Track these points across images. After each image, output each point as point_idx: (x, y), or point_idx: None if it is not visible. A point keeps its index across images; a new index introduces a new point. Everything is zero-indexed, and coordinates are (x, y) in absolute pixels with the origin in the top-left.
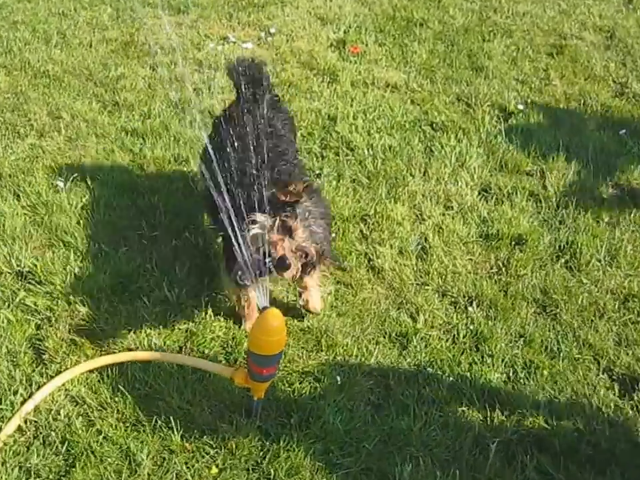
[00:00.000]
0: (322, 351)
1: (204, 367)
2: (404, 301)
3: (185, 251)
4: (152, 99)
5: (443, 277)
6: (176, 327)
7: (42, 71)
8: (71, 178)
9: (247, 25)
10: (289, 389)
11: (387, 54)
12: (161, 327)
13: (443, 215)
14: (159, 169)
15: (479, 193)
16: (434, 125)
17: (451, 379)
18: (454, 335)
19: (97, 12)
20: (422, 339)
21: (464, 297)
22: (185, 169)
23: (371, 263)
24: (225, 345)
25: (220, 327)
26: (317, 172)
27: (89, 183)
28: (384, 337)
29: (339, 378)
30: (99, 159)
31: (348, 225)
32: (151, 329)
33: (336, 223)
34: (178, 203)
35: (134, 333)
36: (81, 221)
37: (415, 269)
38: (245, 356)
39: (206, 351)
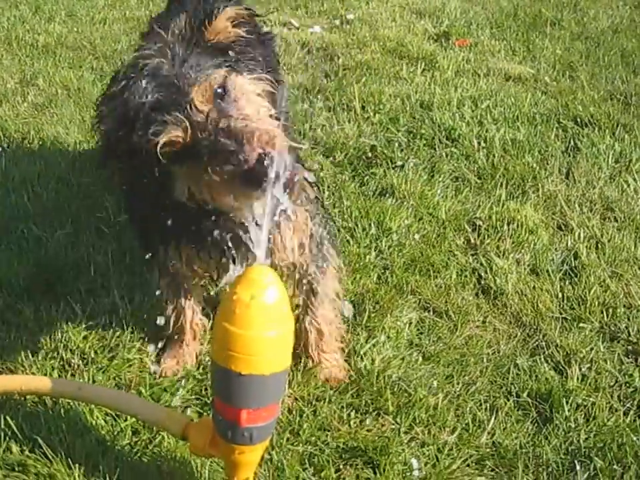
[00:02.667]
0: (387, 414)
1: (137, 412)
2: (542, 343)
3: None
4: None
5: (610, 310)
6: (119, 351)
7: (30, 42)
8: (20, 145)
9: (317, 13)
10: None
11: (507, 48)
12: (93, 348)
13: (602, 225)
14: None
15: None
16: (579, 120)
17: None
18: (639, 405)
19: None
20: (578, 407)
21: None
22: None
23: (483, 282)
24: (200, 390)
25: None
26: (399, 163)
27: (45, 153)
28: (505, 400)
29: (415, 464)
30: (69, 129)
31: (446, 229)
32: (75, 348)
33: (427, 222)
34: None
35: (47, 352)
36: (13, 196)
37: (560, 295)
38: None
39: (163, 397)
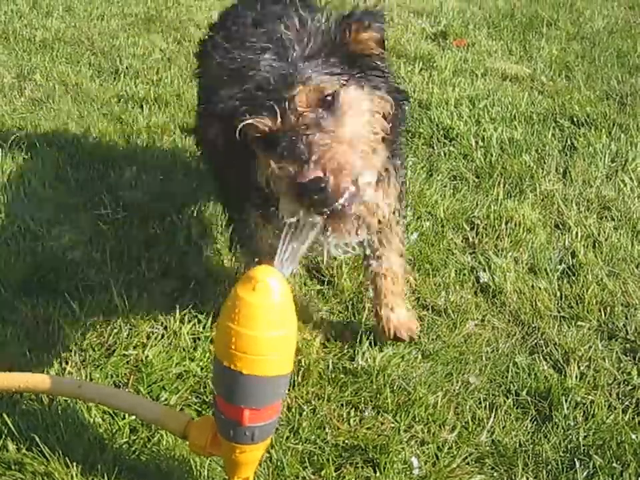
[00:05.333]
0: (387, 411)
1: (137, 410)
2: (540, 342)
3: (163, 241)
4: (167, 69)
5: (607, 309)
6: (116, 350)
7: (27, 37)
8: (17, 142)
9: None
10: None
11: (504, 48)
12: (91, 346)
13: (599, 224)
14: (152, 139)
15: None
16: (575, 119)
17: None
18: (637, 402)
19: None
20: (577, 405)
21: None
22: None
23: (482, 281)
24: (199, 388)
25: (197, 357)
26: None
27: (43, 148)
28: (504, 398)
29: (415, 462)
30: (67, 124)
31: (444, 228)
32: (73, 345)
33: (426, 221)
34: (166, 178)
35: (45, 349)
36: (10, 192)
37: (558, 294)
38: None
39: (162, 395)
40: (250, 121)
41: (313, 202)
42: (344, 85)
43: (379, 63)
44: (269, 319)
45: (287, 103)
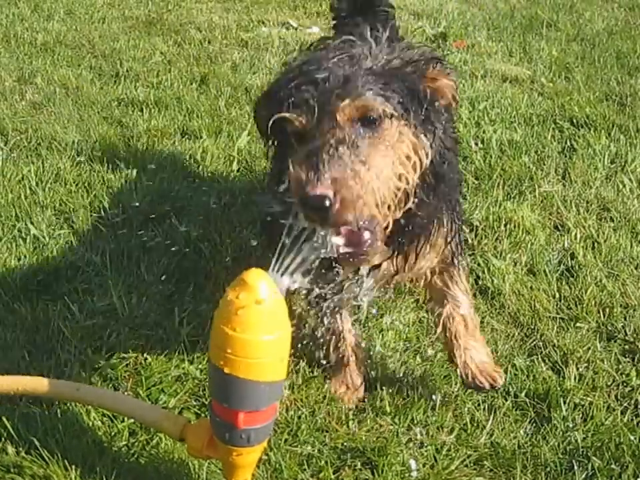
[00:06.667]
0: (385, 414)
1: (134, 413)
2: (539, 343)
3: (164, 244)
4: (167, 72)
5: (606, 310)
6: (116, 353)
7: (29, 40)
8: (17, 145)
9: (315, 14)
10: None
11: (504, 49)
12: (90, 349)
13: (598, 225)
14: (152, 142)
15: None
16: (575, 120)
17: None
18: (636, 404)
19: None
20: (575, 406)
21: None
22: (194, 144)
23: (481, 282)
24: (198, 391)
25: (196, 360)
26: None
27: (43, 152)
28: (503, 399)
29: (414, 464)
30: (67, 127)
31: None
32: (72, 348)
33: None
34: (167, 181)
35: (44, 352)
36: (10, 195)
37: (557, 295)
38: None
39: (161, 397)
40: (287, 115)
41: (312, 216)
42: (387, 114)
43: (443, 112)
44: (261, 323)
45: (329, 108)
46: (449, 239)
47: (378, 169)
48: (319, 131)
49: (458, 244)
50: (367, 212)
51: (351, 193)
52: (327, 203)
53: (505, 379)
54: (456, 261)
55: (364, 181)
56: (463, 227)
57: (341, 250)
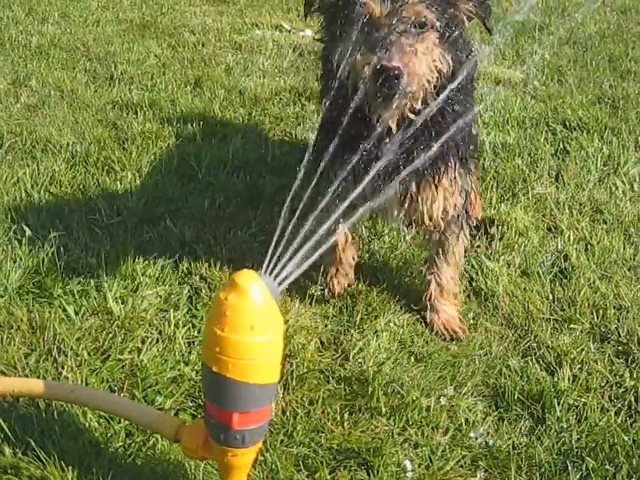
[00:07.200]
0: (380, 415)
1: (129, 414)
2: (533, 345)
3: (159, 246)
4: (162, 75)
5: (600, 311)
6: (112, 354)
7: (23, 43)
8: (12, 148)
9: (310, 17)
10: None
11: (497, 52)
12: (86, 350)
13: (591, 227)
14: (147, 145)
15: None
16: (567, 123)
17: None
18: (630, 405)
19: None
20: (569, 407)
21: (639, 344)
22: (188, 146)
23: (474, 284)
24: (194, 392)
25: (192, 361)
26: None
27: (38, 154)
28: (498, 400)
29: (409, 465)
30: (62, 130)
31: None
32: (68, 350)
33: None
34: (162, 183)
35: (40, 354)
36: (5, 198)
37: (550, 297)
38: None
39: (157, 399)
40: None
41: (383, 87)
42: (433, 25)
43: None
44: (253, 324)
45: (398, 5)
46: (454, 183)
47: (426, 58)
48: (387, 21)
49: (464, 193)
50: (423, 85)
51: (416, 67)
52: (400, 72)
53: (466, 333)
54: (455, 228)
55: (422, 61)
56: (472, 177)
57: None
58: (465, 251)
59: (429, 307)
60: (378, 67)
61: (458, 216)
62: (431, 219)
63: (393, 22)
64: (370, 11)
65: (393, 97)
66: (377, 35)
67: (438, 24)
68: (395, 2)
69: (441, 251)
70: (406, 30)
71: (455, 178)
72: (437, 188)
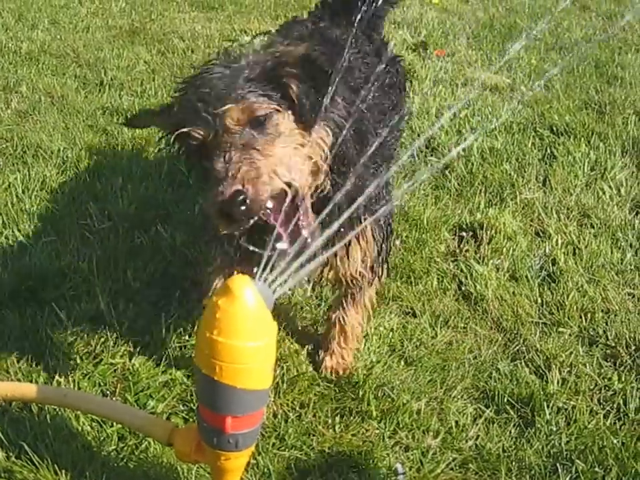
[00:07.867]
0: (371, 418)
1: (122, 418)
2: (522, 348)
3: (150, 251)
4: (151, 81)
5: (588, 315)
6: (104, 358)
7: (13, 50)
8: (3, 153)
9: None
10: None
11: (484, 58)
12: (78, 354)
13: (579, 232)
14: (137, 151)
15: (632, 210)
16: (555, 128)
17: None
18: (618, 408)
19: (106, 4)
20: (559, 410)
21: (627, 347)
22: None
23: (464, 288)
24: (186, 396)
25: (183, 365)
26: None
27: (29, 160)
28: (489, 403)
29: (400, 468)
30: (52, 136)
31: (427, 236)
32: (60, 355)
33: (408, 229)
34: (152, 188)
35: (33, 358)
36: None
37: (539, 301)
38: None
39: (149, 403)
40: (186, 130)
41: (237, 217)
42: (271, 110)
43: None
44: (246, 329)
45: (218, 118)
46: (371, 244)
47: (280, 156)
48: (217, 140)
49: (381, 251)
50: (280, 184)
51: (255, 174)
52: (242, 195)
53: (350, 371)
54: (365, 282)
55: (266, 163)
56: (389, 236)
57: (289, 250)
58: (377, 293)
59: (325, 346)
60: (220, 202)
61: (372, 266)
62: (347, 279)
63: (224, 139)
64: (198, 138)
65: (245, 218)
66: (218, 157)
67: (283, 102)
68: (215, 116)
69: (350, 297)
70: (235, 140)
71: (371, 238)
72: (353, 250)
